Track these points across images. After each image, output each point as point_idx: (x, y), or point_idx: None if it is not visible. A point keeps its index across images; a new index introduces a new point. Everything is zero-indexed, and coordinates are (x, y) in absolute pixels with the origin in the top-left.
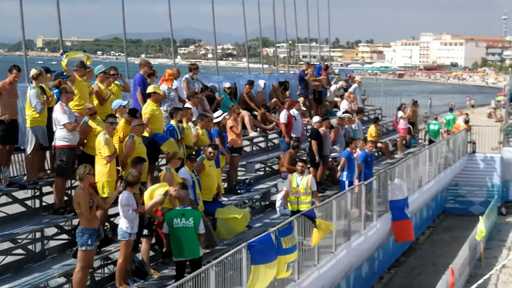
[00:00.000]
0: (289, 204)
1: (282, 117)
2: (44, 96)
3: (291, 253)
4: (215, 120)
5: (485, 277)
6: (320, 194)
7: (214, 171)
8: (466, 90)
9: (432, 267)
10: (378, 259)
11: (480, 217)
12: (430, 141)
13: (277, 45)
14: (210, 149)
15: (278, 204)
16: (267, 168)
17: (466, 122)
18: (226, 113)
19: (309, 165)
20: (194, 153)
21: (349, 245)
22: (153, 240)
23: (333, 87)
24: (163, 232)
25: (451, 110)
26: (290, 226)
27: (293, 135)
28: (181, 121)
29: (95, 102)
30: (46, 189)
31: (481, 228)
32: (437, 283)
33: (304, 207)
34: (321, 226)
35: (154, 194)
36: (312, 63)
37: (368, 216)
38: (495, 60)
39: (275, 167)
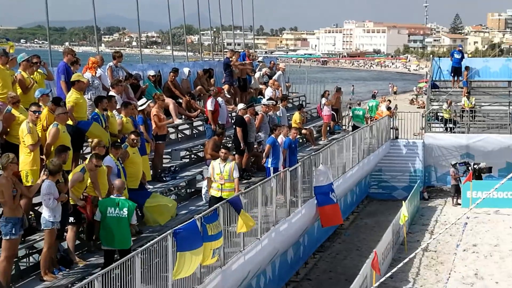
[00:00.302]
0: (211, 191)
1: (209, 104)
2: None
3: (217, 239)
4: (139, 108)
5: (405, 260)
6: (245, 181)
7: (138, 158)
8: (389, 76)
9: (356, 252)
10: (303, 245)
11: (403, 201)
12: (354, 127)
13: (201, 32)
14: (132, 136)
15: (203, 191)
16: (192, 156)
17: (389, 108)
18: (150, 100)
19: (234, 152)
20: (119, 140)
21: (274, 231)
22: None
23: (257, 74)
24: (95, 219)
25: (374, 96)
26: (215, 213)
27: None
28: (105, 109)
29: (18, 90)
30: None
31: (404, 213)
32: (361, 267)
33: (227, 194)
34: (244, 218)
35: None
36: (236, 50)
37: (293, 202)
38: (416, 47)
39: (200, 154)
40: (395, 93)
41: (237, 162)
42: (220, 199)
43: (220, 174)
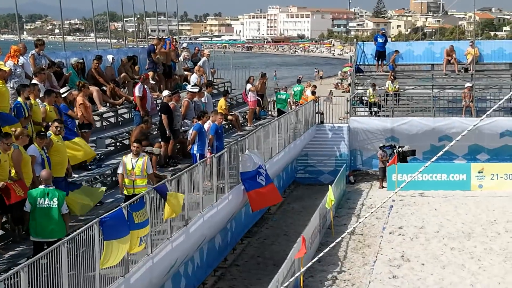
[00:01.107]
0: (124, 188)
1: (137, 90)
2: None
3: (144, 227)
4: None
5: (332, 244)
6: (171, 168)
7: (63, 146)
8: (314, 61)
9: (284, 237)
10: (231, 230)
11: (329, 186)
12: (279, 112)
13: (125, 19)
14: (56, 124)
15: None
16: (117, 143)
17: (314, 93)
18: (73, 88)
19: (160, 139)
20: (43, 129)
21: (201, 218)
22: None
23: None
24: (24, 210)
25: (299, 81)
26: (142, 201)
27: None
28: (28, 98)
29: None
30: None
31: (330, 197)
32: (289, 252)
33: (140, 191)
34: (171, 199)
35: None
36: (162, 37)
37: (220, 188)
38: (340, 32)
39: (126, 142)
40: (321, 78)
41: (163, 150)
42: (133, 196)
43: (131, 170)
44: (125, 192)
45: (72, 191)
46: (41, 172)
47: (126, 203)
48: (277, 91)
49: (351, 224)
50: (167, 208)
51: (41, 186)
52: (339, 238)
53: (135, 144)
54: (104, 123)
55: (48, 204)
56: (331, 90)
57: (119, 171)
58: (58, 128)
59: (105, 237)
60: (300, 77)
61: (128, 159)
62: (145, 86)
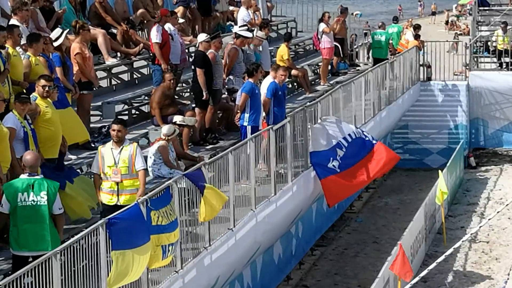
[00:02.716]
0: (101, 195)
1: (154, 34)
2: None
3: (170, 231)
4: (55, 43)
5: (441, 258)
6: (210, 146)
7: (54, 114)
8: None
9: (373, 245)
10: (296, 237)
11: (439, 171)
12: (376, 62)
13: None
14: (43, 82)
15: (150, 162)
16: (133, 111)
17: (417, 36)
18: (68, 30)
19: (193, 105)
20: (24, 91)
21: (253, 218)
22: None
23: None
24: (1, 211)
25: (395, 19)
26: (167, 194)
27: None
28: (4, 46)
29: None
30: None
31: (441, 188)
32: (381, 268)
33: (128, 200)
34: (209, 196)
35: None
36: None
37: (281, 175)
38: None
39: (145, 108)
40: (433, 13)
41: (199, 119)
42: (117, 207)
43: (114, 167)
44: (104, 201)
45: (71, 183)
46: (24, 156)
47: (145, 196)
48: (368, 32)
49: (471, 227)
50: (204, 204)
51: (24, 175)
52: (452, 248)
53: (115, 127)
54: (113, 82)
55: (33, 201)
56: (456, 33)
57: (93, 169)
58: (46, 88)
59: (115, 245)
60: (400, 9)
61: (107, 150)
62: (167, 28)
